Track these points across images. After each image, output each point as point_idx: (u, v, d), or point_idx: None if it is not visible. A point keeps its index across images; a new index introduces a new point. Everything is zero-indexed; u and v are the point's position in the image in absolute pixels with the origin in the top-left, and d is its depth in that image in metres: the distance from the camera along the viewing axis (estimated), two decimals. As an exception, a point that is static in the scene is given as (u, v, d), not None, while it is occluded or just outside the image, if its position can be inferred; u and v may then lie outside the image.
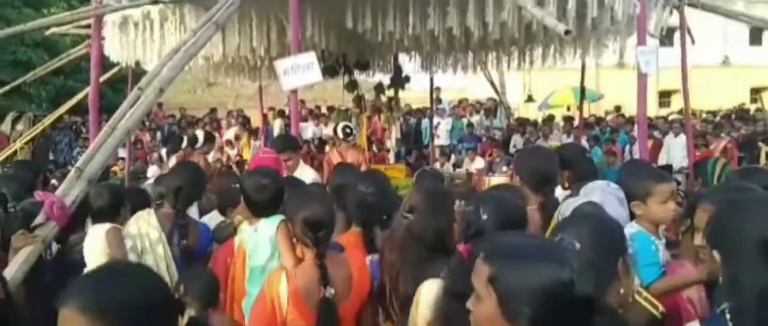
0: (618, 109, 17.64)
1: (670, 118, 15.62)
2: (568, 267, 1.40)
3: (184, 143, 8.35)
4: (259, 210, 2.97)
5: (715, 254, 1.63)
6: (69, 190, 3.55)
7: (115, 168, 11.40)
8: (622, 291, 1.70)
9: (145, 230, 3.31)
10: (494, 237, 1.94)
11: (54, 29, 8.48)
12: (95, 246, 3.29)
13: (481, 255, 1.48)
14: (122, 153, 10.15)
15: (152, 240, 3.28)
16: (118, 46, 6.92)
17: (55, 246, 3.61)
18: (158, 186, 3.67)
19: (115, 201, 3.45)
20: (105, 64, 7.63)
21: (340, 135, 7.61)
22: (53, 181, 6.86)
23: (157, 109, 16.79)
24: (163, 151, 13.11)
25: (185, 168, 3.89)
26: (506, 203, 2.35)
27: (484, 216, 2.14)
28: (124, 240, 3.28)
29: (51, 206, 3.34)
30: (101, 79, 7.42)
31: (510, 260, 1.44)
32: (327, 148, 12.17)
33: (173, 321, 1.48)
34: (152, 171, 11.65)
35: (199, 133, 8.67)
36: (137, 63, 7.39)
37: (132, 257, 3.21)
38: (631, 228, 2.56)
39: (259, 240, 2.94)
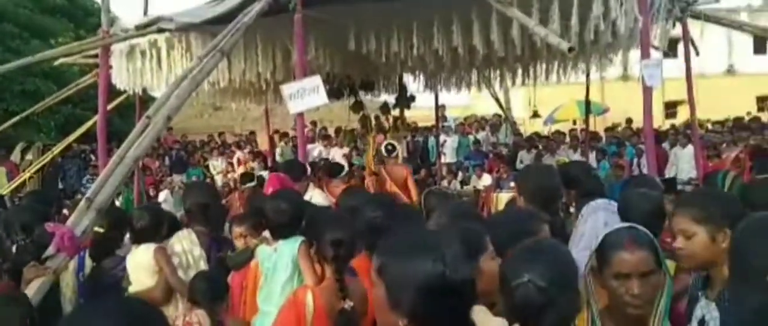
0: (629, 121, 17.57)
1: (674, 127, 15.56)
2: (440, 260, 1.51)
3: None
4: (279, 231, 3.08)
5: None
6: (79, 221, 3.57)
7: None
8: None
9: (189, 247, 3.51)
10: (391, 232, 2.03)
11: (62, 59, 8.58)
12: (142, 266, 3.46)
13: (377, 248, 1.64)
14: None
15: (195, 257, 3.49)
16: (126, 74, 6.99)
17: (87, 268, 3.72)
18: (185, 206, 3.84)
19: (157, 222, 3.61)
20: (112, 91, 7.70)
21: (384, 153, 7.90)
22: (64, 211, 6.89)
23: (167, 134, 16.89)
24: (175, 178, 13.22)
25: (204, 188, 4.01)
26: (455, 229, 2.31)
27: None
28: (171, 258, 3.45)
29: (62, 237, 3.36)
30: (109, 107, 7.49)
31: (393, 253, 1.59)
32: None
33: None
34: (164, 196, 11.69)
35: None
36: (144, 90, 7.46)
37: (180, 273, 3.41)
38: None
39: (278, 261, 3.02)
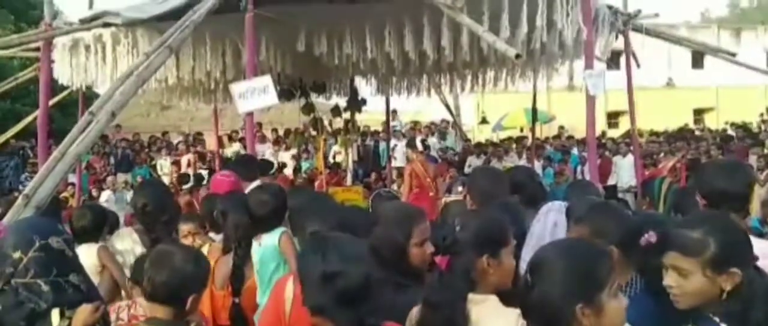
0: (561, 128, 18.25)
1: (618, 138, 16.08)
2: (332, 260, 1.72)
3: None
4: (262, 224, 3.09)
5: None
6: (16, 218, 3.45)
7: (65, 194, 11.09)
8: None
9: (130, 246, 3.48)
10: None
11: (1, 52, 8.26)
12: (85, 266, 3.28)
13: None
14: (72, 178, 9.88)
15: (137, 255, 3.40)
16: (69, 69, 6.78)
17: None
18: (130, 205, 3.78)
19: (99, 222, 3.57)
20: (55, 87, 7.46)
21: (420, 147, 8.28)
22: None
23: (115, 132, 16.43)
24: (119, 177, 12.88)
25: (151, 187, 3.94)
26: (484, 216, 2.33)
27: (458, 228, 2.15)
28: (116, 257, 3.42)
29: (-3, 234, 3.25)
30: (50, 103, 7.25)
31: (302, 254, 1.85)
32: (286, 172, 12.14)
33: None
34: (106, 195, 11.38)
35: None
36: (88, 87, 7.25)
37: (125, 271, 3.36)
38: None
39: (264, 253, 3.05)
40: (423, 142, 8.77)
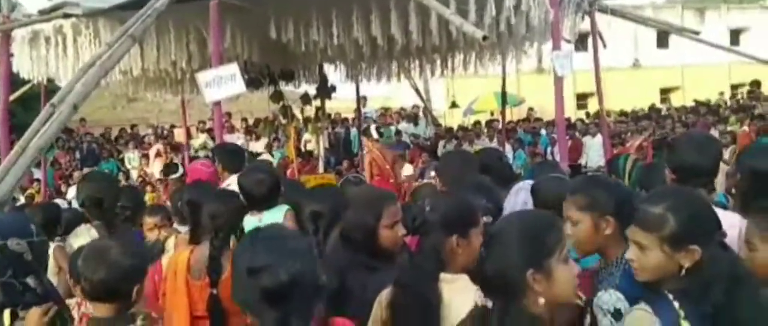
0: (530, 109, 18.46)
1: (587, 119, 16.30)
2: (260, 254, 1.60)
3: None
4: (260, 203, 3.16)
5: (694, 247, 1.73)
6: (-23, 214, 3.36)
7: (30, 190, 10.86)
8: (541, 300, 1.66)
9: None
10: None
11: (-44, 46, 8.00)
12: None
13: None
14: (37, 174, 9.67)
15: None
16: (29, 62, 6.62)
17: None
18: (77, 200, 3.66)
19: (51, 220, 3.49)
20: (15, 81, 7.27)
21: (375, 135, 8.26)
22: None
23: (80, 125, 16.11)
24: (86, 172, 12.62)
25: (99, 179, 3.82)
26: (453, 198, 2.37)
27: (428, 209, 2.16)
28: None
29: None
30: (11, 98, 7.07)
31: (238, 246, 1.80)
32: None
33: None
34: (73, 191, 11.15)
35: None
36: (50, 80, 7.08)
37: None
38: None
39: None
40: (378, 129, 8.85)
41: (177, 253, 3.13)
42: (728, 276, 1.70)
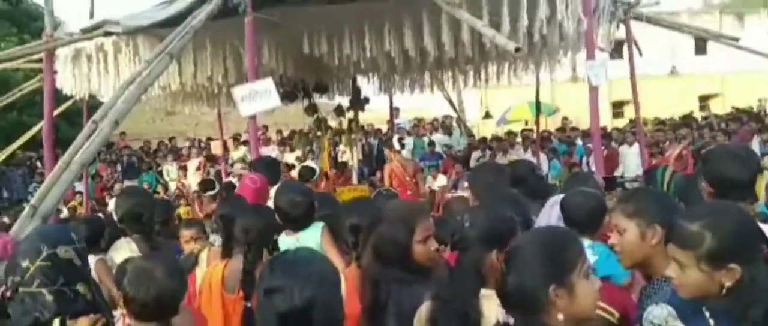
0: (565, 119, 18.24)
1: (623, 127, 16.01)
2: (277, 276, 1.62)
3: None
4: (297, 224, 3.20)
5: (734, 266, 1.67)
6: (23, 228, 3.47)
7: (73, 202, 11.15)
8: (560, 316, 1.63)
9: (129, 257, 3.35)
10: None
11: (5, 64, 8.31)
12: None
13: None
14: (79, 187, 9.93)
15: None
16: (72, 79, 6.82)
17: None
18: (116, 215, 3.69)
19: (95, 234, 3.52)
20: (59, 97, 7.50)
21: (397, 146, 8.23)
22: (5, 219, 6.68)
23: (120, 140, 16.52)
24: (126, 184, 12.91)
25: (136, 194, 3.90)
26: (492, 212, 2.34)
27: (467, 224, 2.16)
28: (112, 271, 3.35)
29: (4, 246, 3.27)
30: (55, 113, 7.30)
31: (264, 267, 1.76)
32: (293, 173, 12.17)
33: None
34: (113, 204, 11.38)
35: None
36: (92, 96, 7.29)
37: None
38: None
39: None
40: (400, 140, 8.93)
41: (212, 267, 3.18)
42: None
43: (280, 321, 1.56)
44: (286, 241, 3.17)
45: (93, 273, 3.30)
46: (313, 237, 3.14)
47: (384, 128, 15.38)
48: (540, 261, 1.67)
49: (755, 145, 10.39)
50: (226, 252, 3.08)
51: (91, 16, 7.15)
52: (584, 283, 1.67)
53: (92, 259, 3.37)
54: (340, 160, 13.45)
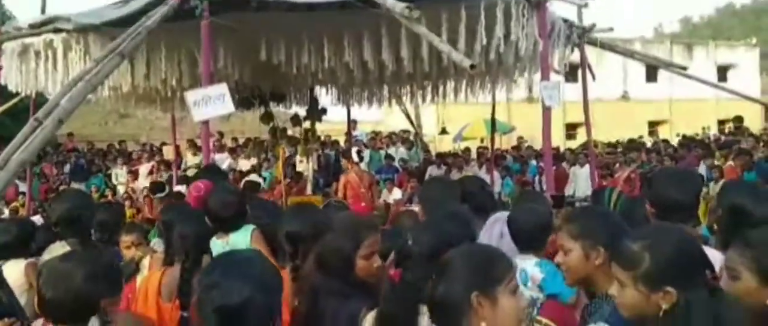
0: (520, 138, 18.60)
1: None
2: (215, 274, 1.63)
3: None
4: (227, 224, 3.12)
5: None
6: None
7: (15, 203, 10.74)
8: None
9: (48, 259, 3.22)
10: None
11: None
12: (14, 285, 3.10)
13: None
14: (23, 187, 9.58)
15: None
16: (18, 75, 6.59)
17: None
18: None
19: (25, 236, 3.38)
20: (4, 93, 7.24)
21: (356, 158, 8.92)
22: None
23: (67, 140, 16.02)
24: (74, 186, 12.49)
25: (74, 197, 3.74)
26: (435, 230, 2.33)
27: (410, 241, 2.14)
28: None
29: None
30: (0, 109, 7.04)
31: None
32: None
33: None
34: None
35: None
36: (40, 93, 7.05)
37: None
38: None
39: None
40: (358, 153, 9.21)
41: (149, 274, 3.10)
42: (711, 321, 1.63)
43: (217, 318, 1.57)
44: (217, 244, 3.10)
45: (21, 277, 3.16)
46: (243, 240, 3.08)
47: (341, 140, 15.34)
48: (466, 270, 1.71)
49: (702, 171, 10.72)
50: (169, 259, 2.99)
51: (43, 11, 6.92)
52: (510, 298, 1.70)
53: (22, 263, 3.24)
54: (295, 169, 13.35)
